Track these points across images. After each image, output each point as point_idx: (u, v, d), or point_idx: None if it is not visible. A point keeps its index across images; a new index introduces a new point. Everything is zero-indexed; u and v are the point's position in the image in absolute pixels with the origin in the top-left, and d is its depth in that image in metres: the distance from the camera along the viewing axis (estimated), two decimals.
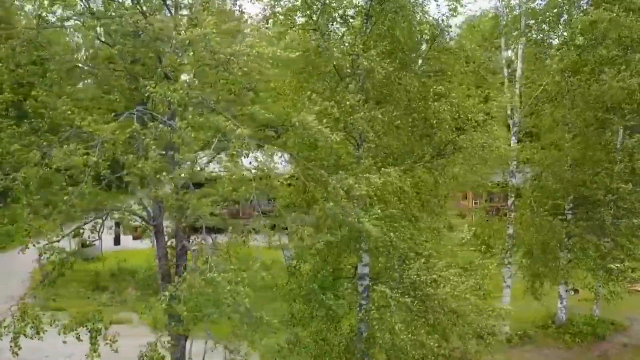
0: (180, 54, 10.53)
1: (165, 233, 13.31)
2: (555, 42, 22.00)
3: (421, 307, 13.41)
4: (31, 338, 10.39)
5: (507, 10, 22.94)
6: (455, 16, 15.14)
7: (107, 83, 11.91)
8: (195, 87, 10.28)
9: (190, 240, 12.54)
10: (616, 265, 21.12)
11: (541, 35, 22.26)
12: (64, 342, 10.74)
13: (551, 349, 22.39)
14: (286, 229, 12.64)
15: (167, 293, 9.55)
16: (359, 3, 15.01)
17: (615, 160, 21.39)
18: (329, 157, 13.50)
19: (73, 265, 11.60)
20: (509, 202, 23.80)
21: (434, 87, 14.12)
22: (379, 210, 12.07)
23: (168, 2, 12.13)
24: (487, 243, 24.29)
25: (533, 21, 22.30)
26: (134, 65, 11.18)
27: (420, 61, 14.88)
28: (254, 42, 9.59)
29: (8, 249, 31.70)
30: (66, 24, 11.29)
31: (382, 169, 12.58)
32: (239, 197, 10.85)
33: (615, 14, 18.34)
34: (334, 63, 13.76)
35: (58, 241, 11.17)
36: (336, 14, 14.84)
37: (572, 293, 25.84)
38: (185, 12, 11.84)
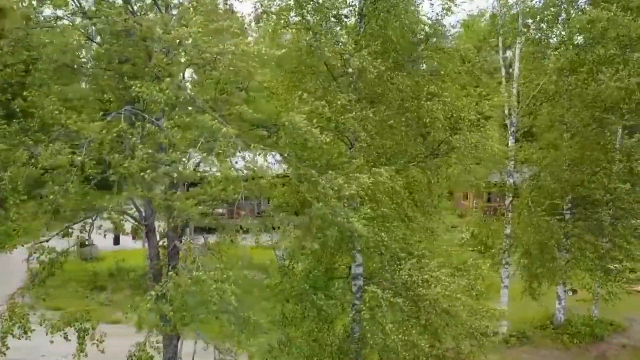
0: (168, 54, 10.49)
1: (157, 233, 13.32)
2: (553, 41, 21.87)
3: (413, 307, 13.35)
4: (19, 338, 10.40)
5: (505, 9, 22.84)
6: (449, 15, 15.12)
7: (96, 83, 11.90)
8: (184, 87, 10.31)
9: (182, 240, 12.54)
10: (614, 265, 21.04)
11: (539, 35, 22.14)
12: (51, 341, 10.71)
13: (549, 350, 22.29)
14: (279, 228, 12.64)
15: (153, 293, 9.55)
16: (352, 2, 14.99)
17: (613, 160, 21.30)
18: (320, 157, 13.45)
19: (63, 265, 11.60)
20: (507, 202, 23.70)
21: (427, 86, 14.06)
22: (369, 210, 12.01)
23: (159, 2, 12.15)
24: (485, 243, 24.22)
25: (531, 20, 22.21)
26: (122, 65, 11.14)
27: (413, 61, 14.78)
28: (237, 40, 9.55)
29: (9, 249, 31.82)
30: (57, 23, 11.28)
31: (373, 168, 12.52)
32: (227, 196, 10.83)
33: (613, 13, 18.24)
34: (326, 62, 13.71)
35: (47, 241, 11.20)
36: (330, 14, 14.79)
37: (571, 293, 25.74)
38: (175, 11, 11.83)
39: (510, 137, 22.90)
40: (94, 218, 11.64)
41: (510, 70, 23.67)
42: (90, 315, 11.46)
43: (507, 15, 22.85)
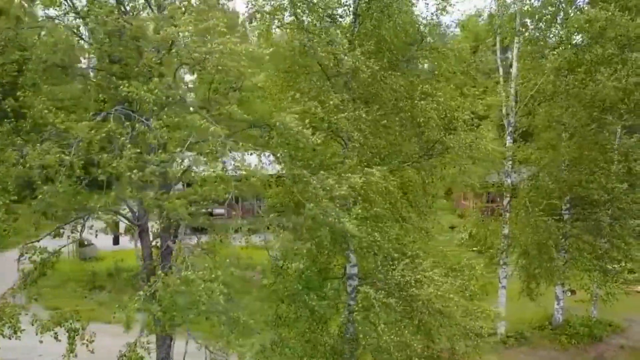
0: (158, 53, 10.47)
1: (151, 233, 13.31)
2: (552, 41, 21.79)
3: (406, 307, 13.31)
4: (9, 338, 10.41)
5: (502, 9, 22.76)
6: (444, 15, 15.10)
7: (84, 83, 11.90)
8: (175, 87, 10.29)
9: (175, 241, 12.52)
10: (613, 266, 20.97)
11: (537, 34, 22.06)
12: (40, 341, 10.71)
13: (547, 350, 22.22)
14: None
15: (141, 292, 9.54)
16: (347, 2, 14.96)
17: (612, 160, 21.23)
18: (314, 158, 13.42)
19: (54, 265, 11.61)
20: (505, 202, 23.64)
21: (421, 86, 14.02)
22: (360, 210, 11.98)
23: (151, 2, 12.13)
24: (484, 243, 24.15)
25: (529, 20, 22.15)
26: (112, 65, 11.13)
27: (407, 61, 14.75)
28: (224, 39, 9.53)
29: (9, 248, 31.93)
30: (48, 23, 11.26)
31: (366, 168, 12.49)
32: (218, 196, 10.81)
33: (611, 13, 18.16)
34: (319, 62, 13.68)
35: (38, 241, 11.20)
36: (324, 13, 14.76)
37: (569, 294, 25.65)
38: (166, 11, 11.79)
39: (508, 137, 22.82)
40: (85, 218, 11.63)
41: (510, 70, 23.56)
42: (80, 315, 11.43)
43: (505, 15, 22.75)
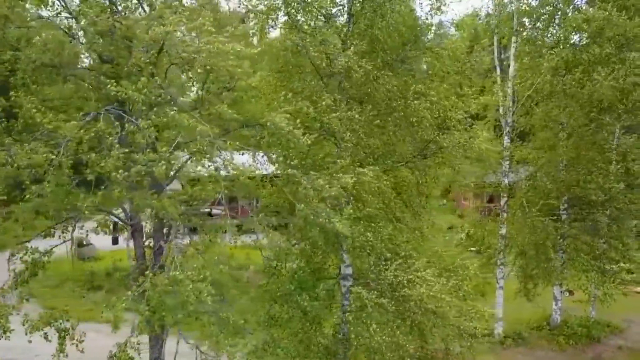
0: (147, 53, 10.45)
1: (144, 232, 13.30)
2: (549, 40, 21.72)
3: (399, 308, 13.27)
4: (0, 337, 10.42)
5: (499, 8, 22.70)
6: (439, 14, 15.05)
7: (75, 82, 11.88)
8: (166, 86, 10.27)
9: (167, 241, 12.50)
10: (611, 266, 20.87)
11: (535, 34, 21.99)
12: (29, 341, 10.70)
13: (544, 351, 22.13)
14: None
15: (129, 292, 9.52)
16: (341, 2, 14.92)
17: (609, 160, 21.14)
18: (306, 158, 13.39)
19: (45, 265, 11.58)
20: (502, 202, 23.56)
21: (414, 86, 13.98)
22: (351, 210, 11.94)
23: (143, 2, 12.11)
24: (482, 244, 24.06)
25: (527, 19, 22.09)
26: (103, 64, 11.12)
27: (401, 60, 14.69)
28: (211, 38, 9.50)
29: (9, 248, 31.98)
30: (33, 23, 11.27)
31: (358, 168, 12.45)
32: (208, 196, 10.80)
33: (609, 13, 18.10)
34: (312, 62, 13.65)
35: (28, 241, 11.20)
36: (318, 13, 14.73)
37: (567, 294, 25.56)
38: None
39: (506, 137, 22.74)
40: (76, 218, 11.62)
41: (507, 69, 23.51)
42: (69, 315, 11.41)
43: (502, 14, 22.69)
